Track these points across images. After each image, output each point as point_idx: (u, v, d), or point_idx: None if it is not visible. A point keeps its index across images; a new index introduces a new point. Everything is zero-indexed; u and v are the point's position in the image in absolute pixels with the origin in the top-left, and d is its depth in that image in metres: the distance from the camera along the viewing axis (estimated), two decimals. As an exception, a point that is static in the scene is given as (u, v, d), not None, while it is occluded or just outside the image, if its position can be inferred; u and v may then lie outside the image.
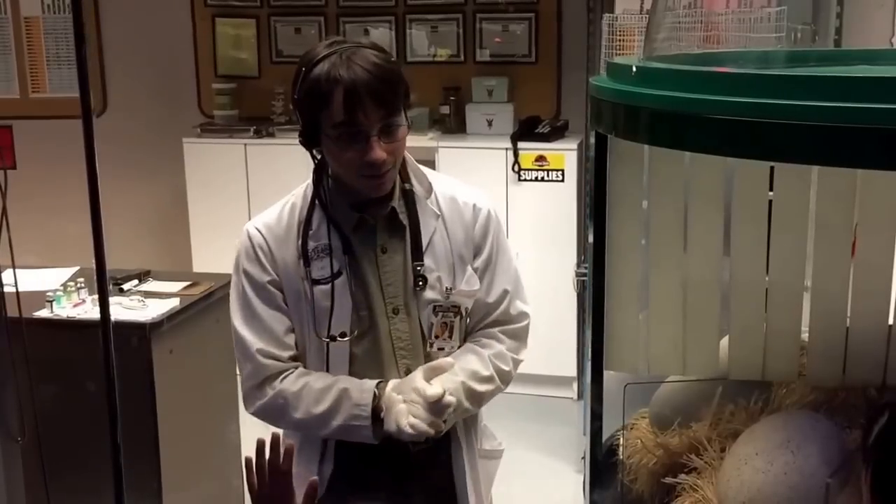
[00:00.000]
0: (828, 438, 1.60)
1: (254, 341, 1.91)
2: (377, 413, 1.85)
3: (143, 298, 3.08)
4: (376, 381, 1.88)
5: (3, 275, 2.40)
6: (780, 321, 1.78)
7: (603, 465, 1.94)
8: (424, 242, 1.92)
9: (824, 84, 1.25)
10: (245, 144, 4.85)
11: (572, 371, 4.74)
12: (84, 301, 3.09)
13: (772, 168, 1.71)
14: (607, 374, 1.90)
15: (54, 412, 2.82)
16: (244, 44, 5.20)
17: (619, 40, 3.84)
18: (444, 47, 5.08)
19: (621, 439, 1.92)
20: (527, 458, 4.30)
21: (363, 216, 1.90)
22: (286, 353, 1.93)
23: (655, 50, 1.84)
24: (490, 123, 4.88)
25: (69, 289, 3.11)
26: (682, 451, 1.78)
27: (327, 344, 1.89)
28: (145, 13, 5.24)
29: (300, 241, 1.89)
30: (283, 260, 1.90)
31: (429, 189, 1.96)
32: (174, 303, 3.07)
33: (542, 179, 4.63)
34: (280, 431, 1.77)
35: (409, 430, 1.79)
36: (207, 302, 3.20)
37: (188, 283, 3.29)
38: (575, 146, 4.63)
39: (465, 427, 2.04)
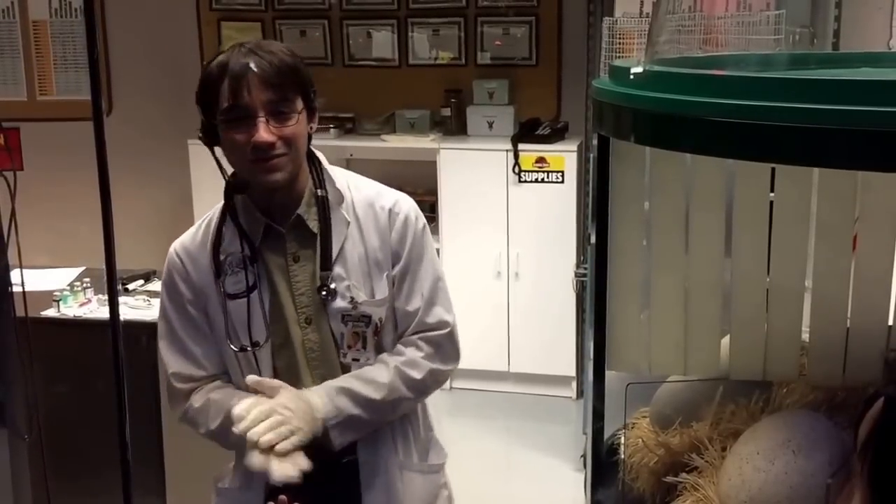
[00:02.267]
0: (828, 438, 1.61)
1: (170, 363, 1.94)
2: None
3: (148, 298, 3.09)
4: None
5: (10, 275, 2.42)
6: (780, 321, 1.79)
7: (604, 464, 1.95)
8: (335, 250, 1.86)
9: (824, 87, 1.26)
10: (248, 146, 4.86)
11: (571, 371, 4.76)
12: (90, 301, 3.11)
13: (773, 169, 1.72)
14: (608, 374, 1.92)
15: (60, 411, 2.84)
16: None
17: (619, 43, 3.85)
18: (446, 50, 5.10)
19: (622, 438, 1.93)
20: (526, 457, 4.32)
21: (269, 223, 1.86)
22: (201, 373, 1.93)
23: (657, 53, 1.85)
24: (491, 125, 4.90)
25: (76, 288, 3.13)
26: (683, 450, 1.79)
27: (253, 354, 1.86)
28: (151, 16, 5.26)
29: (211, 257, 1.88)
30: (199, 278, 1.90)
31: (342, 195, 1.90)
32: (178, 303, 3.09)
33: (543, 181, 4.65)
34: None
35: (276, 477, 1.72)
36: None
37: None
38: (575, 148, 4.65)
39: (403, 439, 1.97)
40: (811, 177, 1.70)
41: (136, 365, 2.77)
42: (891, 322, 1.75)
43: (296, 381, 1.86)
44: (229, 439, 1.85)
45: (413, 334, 1.93)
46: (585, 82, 4.55)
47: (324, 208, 1.87)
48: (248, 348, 1.86)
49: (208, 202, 5.33)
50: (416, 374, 1.90)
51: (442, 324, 1.96)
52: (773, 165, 1.67)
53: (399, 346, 1.93)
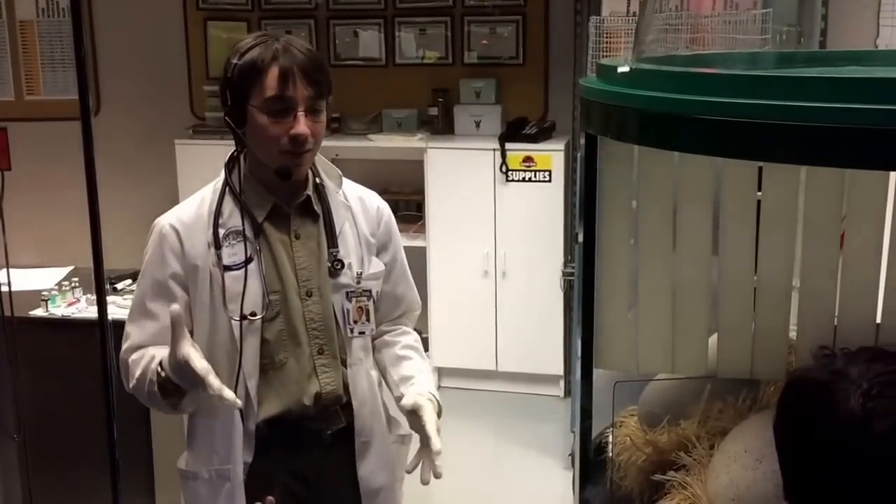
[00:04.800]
0: (815, 434, 1.62)
1: (133, 336, 1.99)
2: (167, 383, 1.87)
3: (135, 298, 3.08)
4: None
5: (-3, 275, 2.41)
6: (768, 319, 1.80)
7: (592, 462, 1.96)
8: (337, 230, 2.03)
9: (811, 85, 1.27)
10: (235, 145, 4.85)
11: (559, 369, 4.77)
12: (79, 300, 3.10)
13: (760, 168, 1.73)
14: (596, 372, 1.92)
15: (48, 410, 2.83)
16: (234, 46, 5.21)
17: (607, 42, 3.86)
18: (433, 49, 5.10)
19: (610, 437, 1.93)
20: (514, 455, 4.33)
21: (277, 204, 1.99)
22: (140, 338, 1.99)
23: (644, 51, 1.86)
24: (478, 125, 4.90)
25: (64, 288, 3.12)
26: (671, 448, 1.79)
27: (241, 324, 1.94)
28: (138, 16, 5.24)
29: (211, 230, 1.96)
30: (192, 249, 1.96)
31: (338, 183, 2.09)
32: (166, 303, 3.08)
33: (530, 180, 4.66)
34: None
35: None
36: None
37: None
38: (562, 147, 4.65)
39: (379, 412, 2.13)
40: (798, 175, 1.70)
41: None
42: (878, 321, 1.76)
43: (292, 349, 2.00)
44: (143, 390, 1.93)
45: (400, 315, 2.21)
46: (572, 81, 4.56)
47: (325, 194, 2.05)
48: (248, 317, 1.94)
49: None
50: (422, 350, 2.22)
51: (418, 304, 2.27)
52: (761, 164, 1.67)
53: (398, 329, 2.20)
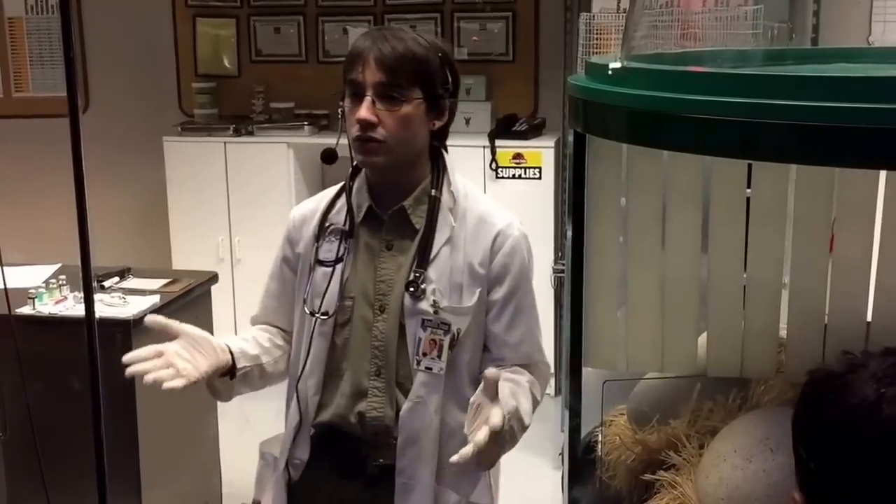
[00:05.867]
0: (805, 434, 1.61)
1: (257, 307, 2.07)
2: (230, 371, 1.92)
3: (123, 295, 3.06)
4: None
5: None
6: (758, 318, 1.79)
7: (581, 461, 1.95)
8: (434, 252, 1.86)
9: (801, 83, 1.26)
10: (224, 143, 4.83)
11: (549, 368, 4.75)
12: (66, 298, 3.08)
13: (749, 165, 1.72)
14: (586, 371, 1.91)
15: (35, 409, 2.81)
16: (224, 43, 5.18)
17: (597, 39, 3.86)
18: (424, 46, 5.08)
19: (600, 436, 1.92)
20: (503, 455, 4.31)
21: (372, 206, 1.90)
22: (255, 313, 2.07)
23: (633, 49, 1.85)
24: (468, 121, 4.88)
25: (51, 286, 3.10)
26: (661, 447, 1.79)
27: (314, 322, 1.90)
28: (127, 13, 5.21)
29: (317, 223, 1.94)
30: (301, 240, 1.96)
31: (455, 200, 1.90)
32: (155, 300, 3.07)
33: (520, 177, 4.64)
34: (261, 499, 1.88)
35: None
36: (187, 299, 3.20)
37: (168, 280, 3.28)
38: (552, 144, 4.64)
39: (429, 458, 1.90)
40: (788, 173, 1.69)
41: (112, 363, 2.74)
42: (869, 318, 1.75)
43: (351, 361, 1.91)
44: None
45: (520, 365, 1.93)
46: (563, 78, 4.54)
47: (433, 208, 1.88)
48: (317, 314, 1.90)
49: (183, 199, 5.32)
50: (538, 396, 1.94)
51: (545, 365, 2.02)
52: (750, 162, 1.67)
53: (518, 368, 1.92)
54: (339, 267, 1.89)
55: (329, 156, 1.95)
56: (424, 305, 1.85)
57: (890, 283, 1.70)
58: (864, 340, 1.75)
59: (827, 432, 0.99)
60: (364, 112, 1.78)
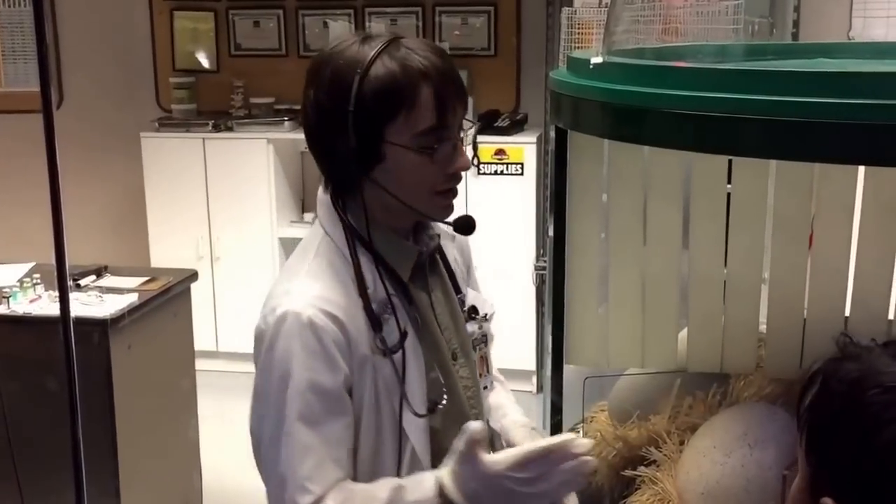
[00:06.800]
0: (785, 431, 1.62)
1: (299, 470, 1.38)
2: None
3: (100, 294, 3.03)
4: (433, 472, 1.41)
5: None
6: (738, 313, 1.79)
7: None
8: (452, 267, 1.64)
9: (781, 78, 1.25)
10: (203, 138, 4.80)
11: (531, 365, 4.76)
12: (41, 297, 3.04)
13: (730, 161, 1.72)
14: (567, 368, 1.91)
15: (10, 409, 2.78)
16: (202, 37, 5.15)
17: (579, 34, 3.85)
18: (404, 40, 5.07)
19: (581, 432, 1.92)
20: (488, 452, 4.30)
21: (421, 254, 1.53)
22: (338, 475, 1.41)
23: (614, 44, 1.84)
24: (450, 117, 4.87)
25: (25, 285, 3.06)
26: (641, 443, 1.79)
27: (416, 421, 1.48)
28: (103, 6, 5.16)
29: (363, 305, 1.44)
30: (358, 336, 1.44)
31: None
32: (132, 298, 3.04)
33: (502, 173, 4.64)
34: None
35: None
36: (166, 297, 3.17)
37: (146, 278, 3.25)
38: (534, 140, 4.64)
39: None
40: (768, 169, 1.69)
41: (88, 362, 2.72)
42: (847, 314, 1.76)
43: (457, 429, 1.42)
44: None
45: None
46: (545, 73, 4.54)
47: (429, 227, 1.60)
48: (437, 408, 1.50)
49: (161, 196, 5.27)
50: None
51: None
52: (731, 157, 1.66)
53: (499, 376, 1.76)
54: (408, 344, 1.47)
55: (468, 225, 1.54)
56: (472, 327, 1.62)
57: (868, 278, 1.70)
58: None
59: (840, 428, 0.98)
60: (467, 159, 1.49)
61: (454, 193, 1.51)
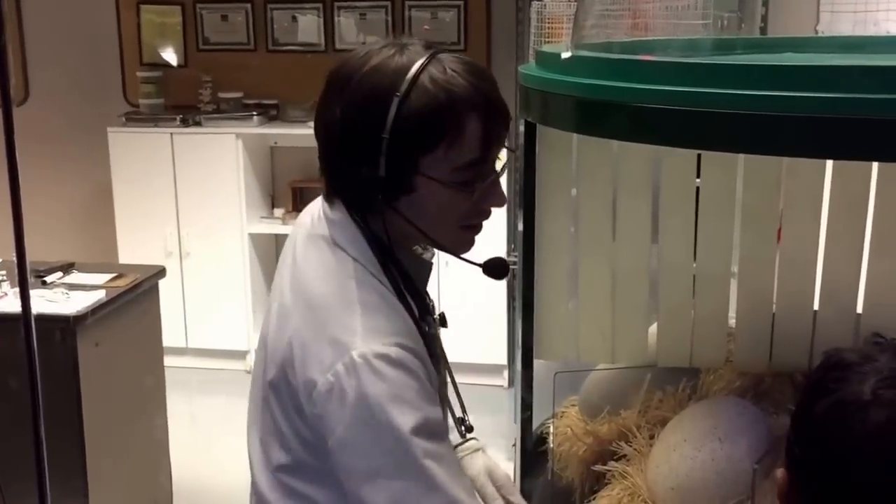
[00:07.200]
0: (754, 424, 1.62)
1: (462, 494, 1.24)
2: None
3: (66, 291, 2.99)
4: None
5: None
6: (707, 308, 1.80)
7: (533, 453, 1.94)
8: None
9: (750, 73, 1.25)
10: (171, 133, 4.75)
11: (503, 359, 4.75)
12: (6, 294, 3.00)
13: (699, 155, 1.72)
14: (537, 363, 1.90)
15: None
16: (169, 32, 5.10)
17: (549, 27, 3.84)
18: (373, 35, 5.03)
19: (551, 428, 1.92)
20: (460, 447, 4.31)
21: (424, 293, 1.41)
22: None
23: (584, 38, 1.84)
24: (421, 111, 4.85)
25: (-10, 282, 3.02)
26: (612, 438, 1.79)
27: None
28: (68, 0, 5.09)
29: (421, 333, 1.32)
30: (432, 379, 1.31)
31: None
32: (99, 295, 3.00)
33: (474, 167, 4.62)
34: None
35: None
36: (133, 294, 3.13)
37: (114, 274, 3.21)
38: (505, 134, 4.63)
39: None
40: (737, 163, 1.70)
41: (54, 360, 2.68)
42: (816, 307, 1.77)
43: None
44: None
45: None
46: (515, 67, 4.53)
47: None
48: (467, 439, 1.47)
49: (129, 192, 5.18)
50: None
51: None
52: (700, 151, 1.67)
53: None
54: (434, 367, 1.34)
55: (501, 268, 1.41)
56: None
57: (836, 273, 1.71)
58: (811, 329, 1.76)
59: (814, 422, 0.98)
60: (504, 196, 1.33)
61: (480, 228, 1.36)
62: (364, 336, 1.21)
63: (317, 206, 1.38)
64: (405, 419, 1.18)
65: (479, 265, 1.38)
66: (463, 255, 1.38)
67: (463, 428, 1.45)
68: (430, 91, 1.22)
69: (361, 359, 1.19)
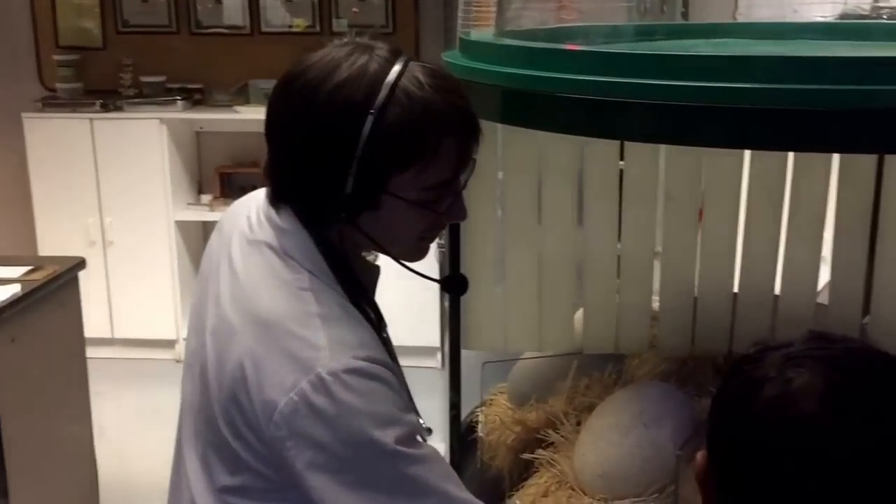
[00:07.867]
0: (679, 408, 1.64)
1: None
2: None
3: (-18, 285, 2.90)
4: None
5: None
6: (631, 293, 1.81)
7: (463, 443, 1.94)
8: None
9: (668, 63, 1.26)
10: (91, 119, 4.62)
11: (436, 341, 4.76)
12: (-83, 290, 2.90)
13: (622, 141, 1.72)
14: (467, 351, 1.90)
15: None
16: (87, 12, 4.95)
17: (476, 11, 3.82)
18: (300, 17, 4.96)
19: (480, 417, 1.92)
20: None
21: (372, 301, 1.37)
22: None
23: (508, 22, 1.83)
24: (348, 95, 4.80)
25: None
26: (540, 426, 1.79)
27: None
28: (-23, -21, 4.92)
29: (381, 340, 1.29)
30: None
31: None
32: (15, 289, 2.91)
33: (402, 151, 4.60)
34: None
35: None
36: (52, 287, 3.04)
37: (30, 267, 3.11)
38: (434, 117, 4.61)
39: None
40: (659, 147, 1.70)
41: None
42: (735, 290, 1.79)
43: None
44: None
45: None
46: (444, 50, 4.51)
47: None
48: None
49: (47, 180, 5.03)
50: None
51: None
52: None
53: None
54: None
55: (460, 285, 1.41)
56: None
57: (755, 257, 1.73)
58: (731, 312, 1.78)
59: (724, 402, 1.00)
60: (465, 208, 1.29)
61: (435, 238, 1.32)
62: (332, 350, 1.15)
63: (254, 207, 1.31)
64: (387, 433, 1.14)
65: (438, 281, 1.36)
66: (420, 271, 1.33)
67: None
68: (406, 108, 1.16)
69: (331, 376, 1.13)
